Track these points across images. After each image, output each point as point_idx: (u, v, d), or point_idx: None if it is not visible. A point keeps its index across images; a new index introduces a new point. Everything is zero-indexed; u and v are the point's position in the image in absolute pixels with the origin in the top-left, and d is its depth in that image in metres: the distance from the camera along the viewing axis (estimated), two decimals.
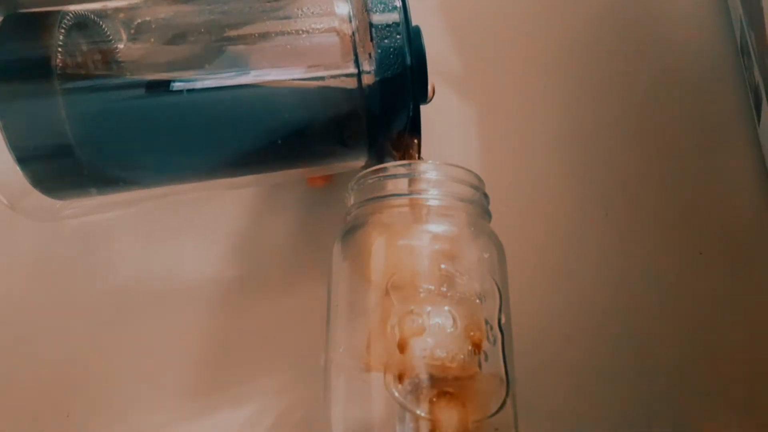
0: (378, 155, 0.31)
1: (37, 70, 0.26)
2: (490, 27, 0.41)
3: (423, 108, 0.30)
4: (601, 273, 0.34)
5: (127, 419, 0.33)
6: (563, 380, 0.32)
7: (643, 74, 0.39)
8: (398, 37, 0.28)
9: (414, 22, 0.29)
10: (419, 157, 0.30)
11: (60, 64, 0.26)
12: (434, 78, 0.34)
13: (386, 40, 0.28)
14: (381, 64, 0.28)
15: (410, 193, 0.28)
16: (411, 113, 0.29)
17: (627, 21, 0.40)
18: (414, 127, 0.29)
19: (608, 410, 0.32)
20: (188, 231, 0.36)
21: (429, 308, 0.25)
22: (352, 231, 0.28)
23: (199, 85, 0.27)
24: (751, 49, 0.36)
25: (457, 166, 0.28)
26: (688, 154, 0.37)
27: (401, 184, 0.29)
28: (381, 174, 0.28)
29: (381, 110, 0.29)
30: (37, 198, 0.28)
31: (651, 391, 0.32)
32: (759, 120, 0.36)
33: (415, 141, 0.30)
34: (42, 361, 0.34)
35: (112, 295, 0.35)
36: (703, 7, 0.41)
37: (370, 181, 0.29)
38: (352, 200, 0.29)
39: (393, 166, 0.29)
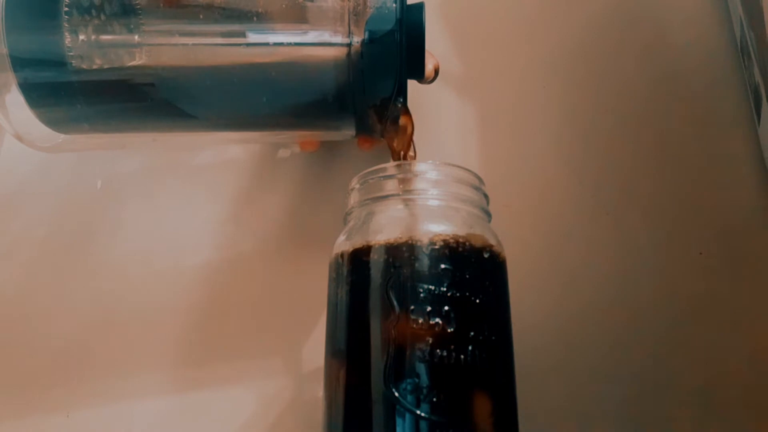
0: (363, 124, 0.31)
1: (45, 7, 0.28)
2: (491, 27, 0.41)
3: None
4: (600, 273, 0.34)
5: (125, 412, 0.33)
6: (563, 380, 0.32)
7: (643, 74, 0.39)
8: (393, 6, 0.28)
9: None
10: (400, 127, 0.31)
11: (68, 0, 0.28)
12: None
13: (380, 9, 0.28)
14: (372, 32, 0.28)
15: (411, 194, 0.28)
16: (398, 84, 0.29)
17: (627, 21, 0.40)
18: (400, 98, 0.30)
19: (608, 410, 0.32)
20: (183, 206, 0.37)
21: (429, 308, 0.25)
22: (352, 231, 0.28)
23: (195, 40, 0.29)
24: (751, 49, 0.36)
25: (457, 166, 0.28)
26: (688, 154, 0.37)
27: (402, 184, 0.29)
28: (381, 174, 0.29)
29: (366, 77, 0.29)
30: (40, 129, 0.30)
31: (650, 391, 0.32)
32: (759, 120, 0.36)
33: (399, 107, 0.30)
34: (42, 359, 0.34)
35: (98, 287, 0.35)
36: (703, 7, 0.41)
37: (371, 180, 0.29)
38: (352, 200, 0.29)
39: (393, 166, 0.29)
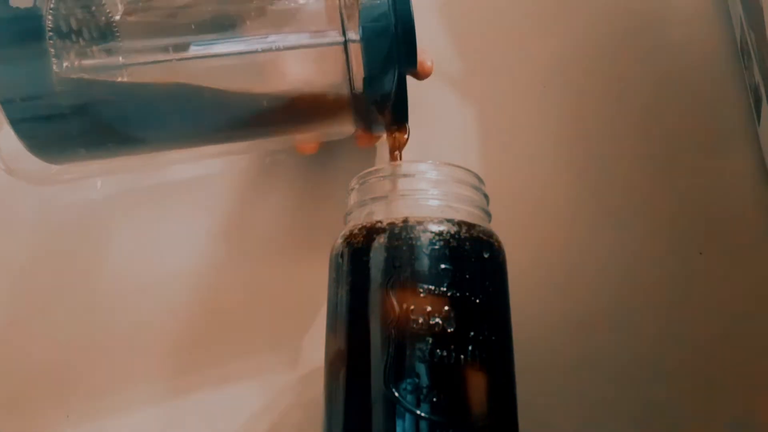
0: (362, 120, 0.31)
1: (27, 32, 0.27)
2: (491, 28, 0.41)
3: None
4: (600, 273, 0.34)
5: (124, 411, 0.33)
6: (563, 380, 0.32)
7: (643, 75, 0.39)
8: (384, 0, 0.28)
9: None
10: (404, 126, 0.31)
11: (51, 26, 0.27)
12: (435, 78, 0.34)
13: (371, 5, 0.28)
14: (365, 28, 0.28)
15: (411, 193, 0.28)
16: (396, 78, 0.29)
17: (627, 22, 0.40)
18: (399, 93, 0.30)
19: (608, 410, 0.32)
20: (182, 213, 0.37)
21: (429, 308, 0.25)
22: (352, 231, 0.28)
23: (188, 53, 0.28)
24: (751, 49, 0.36)
25: (457, 166, 0.28)
26: (688, 154, 0.37)
27: (402, 184, 0.29)
28: (381, 174, 0.29)
29: (365, 72, 0.29)
30: (32, 162, 0.29)
31: (650, 391, 0.32)
32: (759, 120, 0.36)
33: (398, 110, 0.30)
34: (40, 359, 0.34)
35: (105, 287, 0.35)
36: (703, 7, 0.41)
37: (370, 181, 0.29)
38: (352, 200, 0.29)
39: (392, 166, 0.29)
